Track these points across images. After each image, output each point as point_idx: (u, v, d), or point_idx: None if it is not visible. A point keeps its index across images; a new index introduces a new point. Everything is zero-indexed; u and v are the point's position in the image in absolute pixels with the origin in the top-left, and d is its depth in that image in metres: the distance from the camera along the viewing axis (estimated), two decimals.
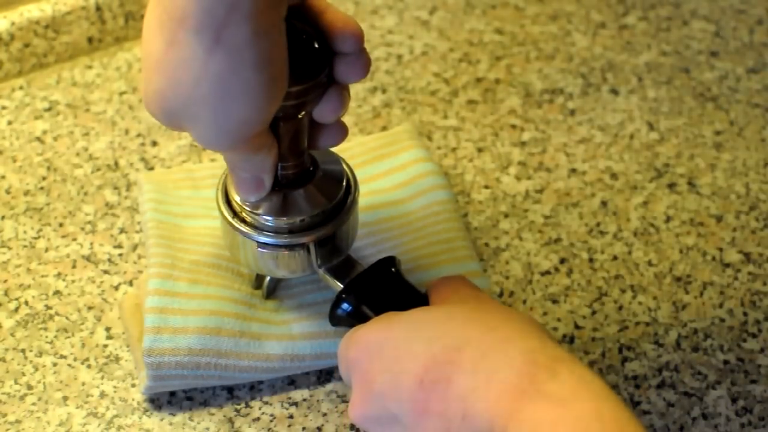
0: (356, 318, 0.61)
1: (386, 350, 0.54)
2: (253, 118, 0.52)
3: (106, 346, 0.68)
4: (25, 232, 0.74)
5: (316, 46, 0.56)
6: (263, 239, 0.62)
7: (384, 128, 0.80)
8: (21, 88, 0.83)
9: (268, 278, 0.67)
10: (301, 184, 0.62)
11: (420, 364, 0.51)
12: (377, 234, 0.70)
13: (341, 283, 0.62)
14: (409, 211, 0.72)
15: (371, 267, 0.62)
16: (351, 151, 0.75)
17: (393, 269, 0.62)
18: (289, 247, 0.62)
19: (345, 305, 0.61)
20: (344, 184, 0.63)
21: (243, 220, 0.62)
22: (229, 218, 0.62)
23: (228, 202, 0.63)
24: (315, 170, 0.62)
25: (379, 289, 0.61)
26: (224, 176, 0.64)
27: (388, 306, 0.59)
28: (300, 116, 0.58)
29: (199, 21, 0.48)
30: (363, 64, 0.56)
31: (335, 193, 0.62)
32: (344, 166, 0.64)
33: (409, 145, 0.75)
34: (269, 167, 0.58)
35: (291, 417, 0.65)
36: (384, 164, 0.74)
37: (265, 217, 0.61)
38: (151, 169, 0.77)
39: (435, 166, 0.74)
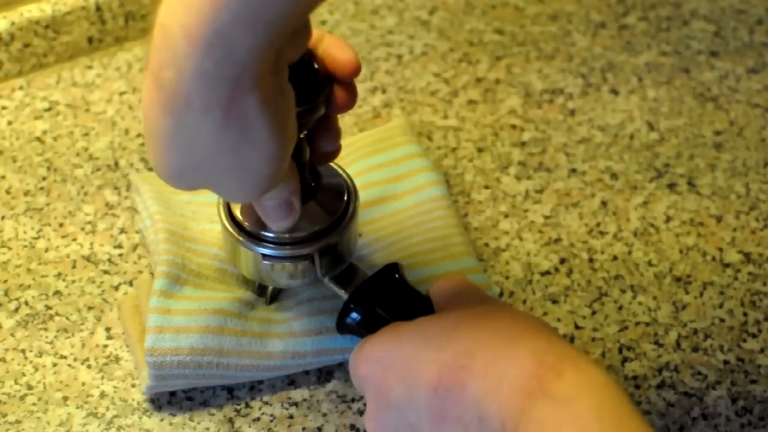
0: (364, 326, 0.61)
1: (398, 361, 0.54)
2: (274, 170, 0.52)
3: (106, 346, 0.68)
4: (25, 232, 0.74)
5: (316, 66, 0.56)
6: (267, 251, 0.62)
7: None
8: (21, 88, 0.83)
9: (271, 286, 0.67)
10: (303, 201, 0.62)
11: (433, 372, 0.52)
12: (373, 232, 0.70)
13: (346, 291, 0.63)
14: (405, 208, 0.72)
15: (375, 274, 0.62)
16: (345, 149, 0.75)
17: (397, 275, 0.62)
18: (293, 258, 0.62)
19: (353, 314, 0.62)
20: (345, 197, 0.63)
21: (246, 232, 0.62)
22: (232, 230, 0.62)
23: (230, 213, 0.63)
24: (317, 185, 0.63)
25: (385, 296, 0.62)
26: None
27: (395, 312, 0.60)
28: (301, 135, 0.59)
29: (205, 102, 0.47)
30: (354, 93, 0.58)
31: (337, 207, 0.63)
32: (344, 178, 0.64)
33: (403, 140, 0.75)
34: (294, 189, 0.58)
35: (291, 417, 0.65)
36: (377, 158, 0.74)
37: (267, 233, 0.62)
38: (151, 169, 0.77)
39: (429, 162, 0.74)
